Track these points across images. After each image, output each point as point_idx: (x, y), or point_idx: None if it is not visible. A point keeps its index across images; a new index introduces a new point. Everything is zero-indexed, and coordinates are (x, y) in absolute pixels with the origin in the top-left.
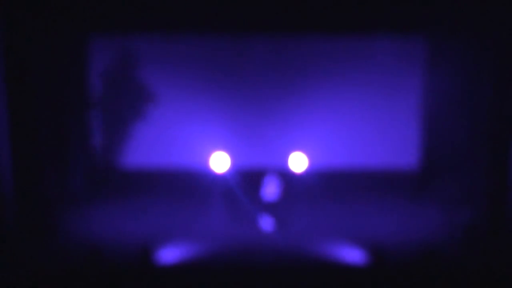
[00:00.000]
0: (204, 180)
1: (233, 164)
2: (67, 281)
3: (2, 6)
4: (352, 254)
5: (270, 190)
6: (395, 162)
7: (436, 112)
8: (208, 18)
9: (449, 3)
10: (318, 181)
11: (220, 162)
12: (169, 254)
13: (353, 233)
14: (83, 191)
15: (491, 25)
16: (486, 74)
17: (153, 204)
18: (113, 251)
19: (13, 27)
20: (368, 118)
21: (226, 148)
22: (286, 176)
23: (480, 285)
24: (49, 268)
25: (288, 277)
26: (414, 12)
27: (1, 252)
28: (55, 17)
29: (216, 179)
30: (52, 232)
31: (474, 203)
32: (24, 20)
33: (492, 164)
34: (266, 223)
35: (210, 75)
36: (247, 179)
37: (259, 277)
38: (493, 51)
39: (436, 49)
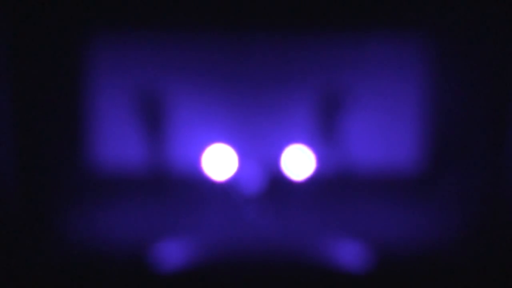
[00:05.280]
0: (200, 180)
1: (231, 160)
2: (64, 283)
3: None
4: (353, 254)
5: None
6: (396, 161)
7: (438, 111)
8: (207, 14)
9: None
10: (318, 180)
11: (217, 159)
12: (166, 255)
13: (353, 232)
14: (79, 193)
15: (493, 23)
16: (488, 73)
17: (149, 204)
18: (110, 252)
19: (17, 25)
20: (368, 116)
21: (224, 143)
22: (283, 175)
23: (481, 285)
24: (46, 270)
25: (287, 277)
26: (416, 9)
27: (1, 252)
28: (55, 14)
29: (212, 178)
30: (50, 234)
31: (474, 203)
32: (27, 18)
33: (494, 164)
34: (264, 221)
35: (208, 72)
36: (245, 175)
37: (258, 278)
38: (495, 49)
39: (438, 47)
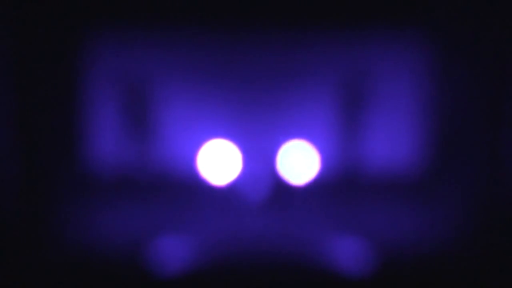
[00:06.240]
0: (201, 180)
1: (233, 160)
2: (63, 283)
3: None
4: (355, 255)
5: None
6: (397, 162)
7: (439, 112)
8: (208, 12)
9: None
10: (321, 182)
11: (218, 159)
12: (164, 256)
13: (355, 233)
14: (78, 194)
15: (493, 23)
16: (488, 73)
17: (148, 204)
18: (108, 253)
19: (17, 23)
20: (369, 116)
21: (225, 143)
22: (285, 175)
23: (481, 285)
24: (45, 270)
25: (289, 280)
26: (417, 9)
27: (0, 252)
28: (54, 11)
29: (213, 178)
30: (49, 234)
31: (474, 203)
32: (27, 15)
33: (494, 164)
34: (265, 222)
35: (209, 69)
36: (246, 174)
37: (260, 280)
38: (495, 49)
39: (439, 47)
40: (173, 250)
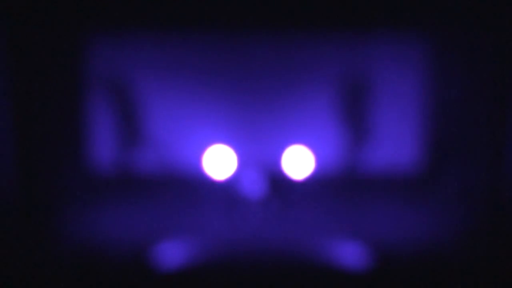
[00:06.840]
0: (201, 180)
1: (232, 160)
2: (63, 283)
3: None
4: (352, 255)
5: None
6: (396, 161)
7: (438, 111)
8: (205, 14)
9: (450, 1)
10: (319, 180)
11: (218, 159)
12: (166, 255)
13: (353, 232)
14: (79, 193)
15: (493, 24)
16: (488, 73)
17: (149, 204)
18: (110, 252)
19: (15, 27)
20: (368, 116)
21: (225, 143)
22: (284, 175)
23: (481, 285)
24: (46, 270)
25: (288, 278)
26: (417, 9)
27: (1, 252)
28: (54, 16)
29: (213, 178)
30: (50, 234)
31: (474, 203)
32: (25, 19)
33: (494, 164)
34: (264, 221)
35: (209, 72)
36: (245, 175)
37: (259, 278)
38: (495, 49)
39: (438, 47)
40: (173, 249)
